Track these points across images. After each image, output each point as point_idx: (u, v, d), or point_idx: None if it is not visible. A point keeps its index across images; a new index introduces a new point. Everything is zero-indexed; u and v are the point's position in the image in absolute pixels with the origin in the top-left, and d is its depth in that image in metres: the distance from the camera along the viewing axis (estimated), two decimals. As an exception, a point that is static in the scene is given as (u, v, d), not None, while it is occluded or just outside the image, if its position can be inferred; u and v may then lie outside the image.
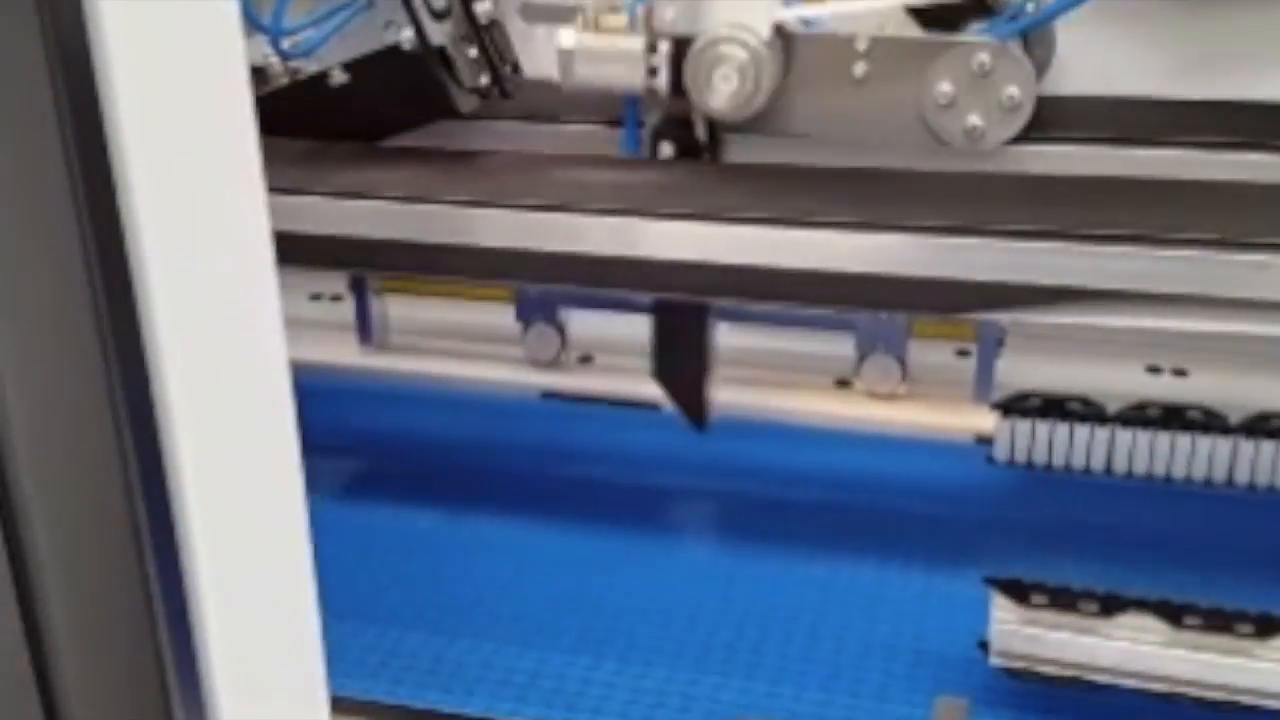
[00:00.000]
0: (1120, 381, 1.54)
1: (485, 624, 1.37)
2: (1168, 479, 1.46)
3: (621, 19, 1.30)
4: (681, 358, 1.44)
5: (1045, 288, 1.17)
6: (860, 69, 1.30)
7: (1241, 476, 1.43)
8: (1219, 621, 1.20)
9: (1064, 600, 1.24)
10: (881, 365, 1.62)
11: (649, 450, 1.68)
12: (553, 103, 1.39)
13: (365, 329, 1.64)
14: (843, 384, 1.65)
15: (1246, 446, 1.42)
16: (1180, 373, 1.55)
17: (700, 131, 1.35)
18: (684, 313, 1.42)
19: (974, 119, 1.28)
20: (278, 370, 0.58)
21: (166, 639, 0.55)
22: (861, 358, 1.62)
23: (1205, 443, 1.44)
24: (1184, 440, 1.44)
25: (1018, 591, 1.25)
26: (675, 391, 1.46)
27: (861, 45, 1.29)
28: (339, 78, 1.33)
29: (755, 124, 1.32)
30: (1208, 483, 1.44)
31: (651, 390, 1.62)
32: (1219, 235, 1.12)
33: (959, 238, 1.18)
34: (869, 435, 1.59)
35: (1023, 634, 1.24)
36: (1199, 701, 1.19)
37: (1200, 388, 1.53)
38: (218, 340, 0.55)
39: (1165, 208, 1.18)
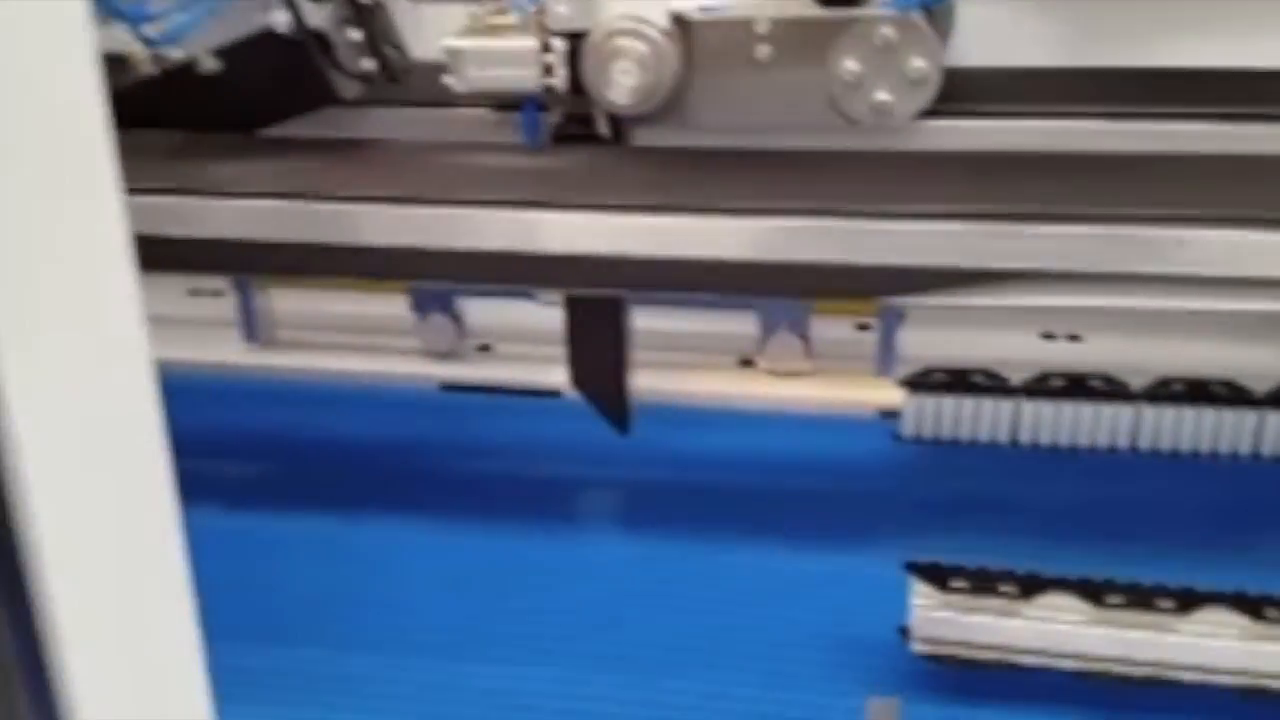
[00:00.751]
0: (1018, 349, 1.54)
1: (392, 636, 1.32)
2: (1073, 449, 1.47)
3: (512, 17, 1.24)
4: (597, 356, 1.39)
5: (964, 271, 1.15)
6: (763, 52, 1.25)
7: (1145, 442, 1.44)
8: (1139, 598, 1.19)
9: (984, 583, 1.23)
10: (785, 343, 1.59)
11: (554, 441, 1.63)
12: (444, 86, 1.33)
13: (249, 325, 1.56)
14: (746, 363, 1.62)
15: (1149, 413, 1.43)
16: (1074, 338, 1.56)
17: (603, 128, 1.30)
18: (597, 308, 1.37)
19: (881, 95, 1.25)
20: (140, 375, 0.53)
21: (20, 682, 0.49)
22: (764, 336, 1.59)
23: (1108, 411, 1.44)
24: (1087, 409, 1.44)
25: (937, 576, 1.24)
26: (594, 392, 1.41)
27: (762, 28, 1.25)
28: (210, 65, 1.25)
29: (660, 116, 1.28)
30: (1112, 450, 1.45)
31: (555, 377, 1.57)
32: (1139, 211, 1.11)
33: (874, 221, 1.15)
34: (775, 415, 1.56)
35: (943, 619, 1.23)
36: (1123, 679, 1.19)
37: (1096, 352, 1.54)
38: (69, 347, 0.50)
39: (1080, 182, 1.16)
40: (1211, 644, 1.16)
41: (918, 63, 1.24)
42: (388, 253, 1.22)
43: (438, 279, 1.36)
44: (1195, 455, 1.42)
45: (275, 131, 1.32)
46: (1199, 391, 1.41)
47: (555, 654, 1.31)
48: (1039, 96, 1.31)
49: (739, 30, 1.25)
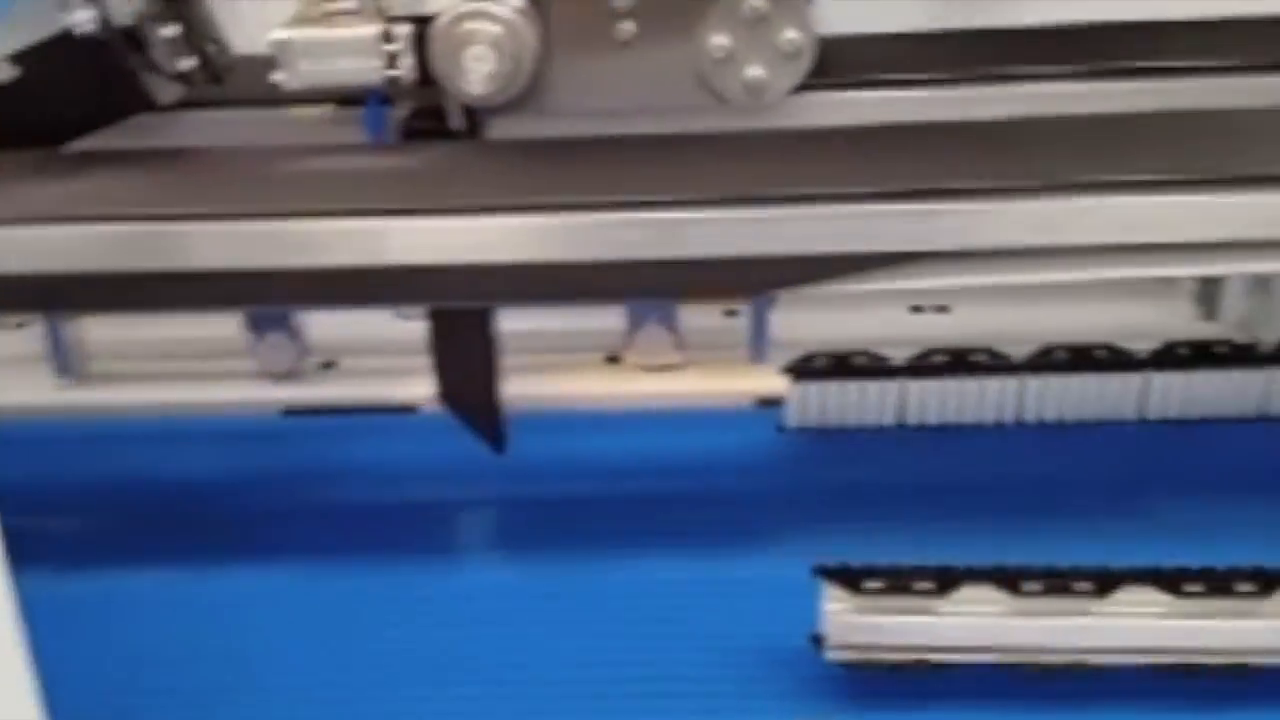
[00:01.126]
0: (890, 325, 1.50)
1: (254, 694, 1.19)
2: (960, 427, 1.43)
3: (348, 2, 1.12)
4: (466, 370, 1.28)
5: (860, 254, 1.09)
6: (626, 30, 1.16)
7: (1030, 415, 1.41)
8: (1057, 583, 1.15)
9: (898, 582, 1.17)
10: (653, 336, 1.51)
11: (415, 461, 1.51)
12: (274, 84, 1.19)
13: (60, 358, 1.39)
14: (613, 360, 1.53)
15: (1034, 383, 1.40)
16: (942, 309, 1.52)
17: (457, 121, 1.19)
18: (462, 317, 1.26)
19: (754, 70, 1.17)
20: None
21: None
22: (631, 330, 1.51)
23: (994, 385, 1.41)
24: (971, 385, 1.41)
25: (848, 579, 1.17)
26: (465, 409, 1.30)
27: (624, 3, 1.15)
28: (6, 73, 1.09)
29: (518, 104, 1.17)
30: (999, 425, 1.42)
31: (407, 390, 1.46)
32: (1028, 183, 1.06)
33: (757, 209, 1.07)
34: (649, 413, 1.48)
35: (859, 624, 1.16)
36: (1045, 668, 1.15)
37: (965, 323, 1.51)
38: None
39: (973, 153, 1.10)
40: (1133, 624, 1.13)
41: (791, 34, 1.16)
42: (219, 278, 1.09)
43: (279, 304, 1.23)
44: (1081, 425, 1.40)
45: (83, 144, 1.17)
46: (1082, 358, 1.39)
47: (434, 694, 1.20)
48: (911, 64, 1.25)
49: (599, 7, 1.16)
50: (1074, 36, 1.29)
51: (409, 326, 1.37)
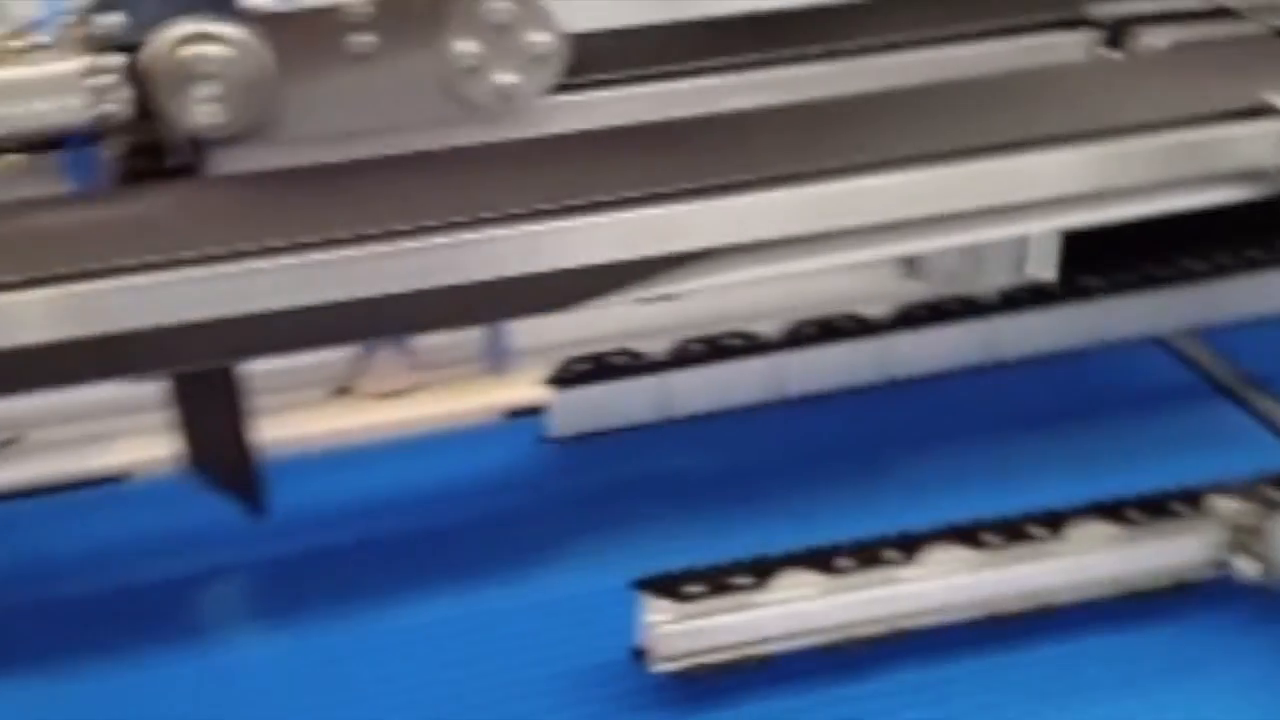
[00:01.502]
0: (617, 318, 1.48)
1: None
2: (719, 413, 1.43)
3: (43, 36, 0.97)
4: (213, 433, 1.15)
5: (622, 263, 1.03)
6: (362, 42, 1.07)
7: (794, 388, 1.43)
8: (866, 555, 1.17)
9: (717, 581, 1.15)
10: (386, 360, 1.43)
11: (136, 535, 1.35)
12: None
13: None
14: (344, 391, 1.43)
15: (788, 359, 1.42)
16: (667, 298, 1.51)
17: (181, 156, 1.06)
18: (204, 379, 1.12)
19: (504, 77, 1.11)
20: None
21: None
22: (362, 357, 1.41)
23: (756, 365, 1.41)
24: (731, 369, 1.41)
25: (667, 587, 1.15)
26: (221, 476, 1.17)
27: (358, 15, 1.06)
28: None
29: (251, 133, 1.05)
30: (764, 405, 1.43)
31: (116, 457, 1.32)
32: (814, 167, 1.04)
33: (524, 225, 1.00)
34: (391, 443, 1.39)
35: (683, 631, 1.14)
36: (867, 641, 1.16)
37: (693, 308, 1.51)
38: None
39: (757, 145, 1.08)
40: (947, 582, 1.16)
41: (539, 36, 1.10)
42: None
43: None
44: (837, 393, 1.43)
45: None
46: (830, 330, 1.41)
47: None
48: (657, 57, 1.22)
49: (331, 20, 1.05)
50: (818, 17, 1.29)
51: (105, 386, 1.22)
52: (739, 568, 1.16)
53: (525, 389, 1.43)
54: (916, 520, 1.19)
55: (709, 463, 1.43)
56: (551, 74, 1.12)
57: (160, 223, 1.02)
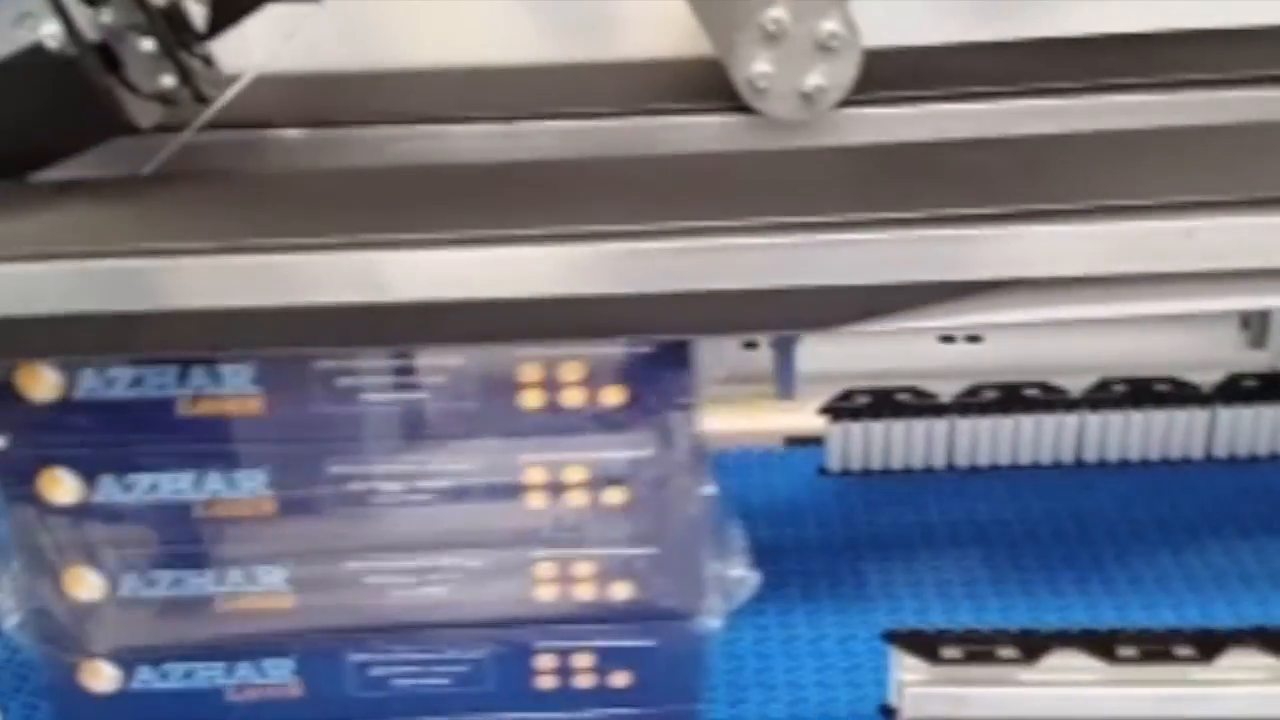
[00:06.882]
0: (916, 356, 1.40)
1: None
2: (1014, 465, 1.33)
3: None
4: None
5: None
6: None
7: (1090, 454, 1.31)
8: (1156, 647, 1.05)
9: (978, 648, 1.06)
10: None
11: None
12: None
13: None
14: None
15: (1093, 420, 1.30)
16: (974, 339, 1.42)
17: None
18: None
19: (806, 81, 1.05)
20: None
21: None
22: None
23: (1050, 421, 1.30)
24: (1028, 421, 1.30)
25: (923, 646, 1.06)
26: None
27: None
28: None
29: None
30: (1057, 465, 1.32)
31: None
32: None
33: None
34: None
35: (938, 695, 1.05)
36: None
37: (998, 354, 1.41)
38: None
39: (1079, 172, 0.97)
40: (1241, 692, 1.03)
41: (830, 25, 1.04)
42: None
43: None
44: (1145, 463, 1.31)
45: (53, 174, 1.02)
46: (1143, 393, 1.29)
47: None
48: (982, 76, 1.13)
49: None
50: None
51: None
52: (1004, 637, 1.06)
53: (808, 416, 1.38)
54: (1219, 617, 1.06)
55: (993, 518, 1.32)
56: (852, 67, 1.05)
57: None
